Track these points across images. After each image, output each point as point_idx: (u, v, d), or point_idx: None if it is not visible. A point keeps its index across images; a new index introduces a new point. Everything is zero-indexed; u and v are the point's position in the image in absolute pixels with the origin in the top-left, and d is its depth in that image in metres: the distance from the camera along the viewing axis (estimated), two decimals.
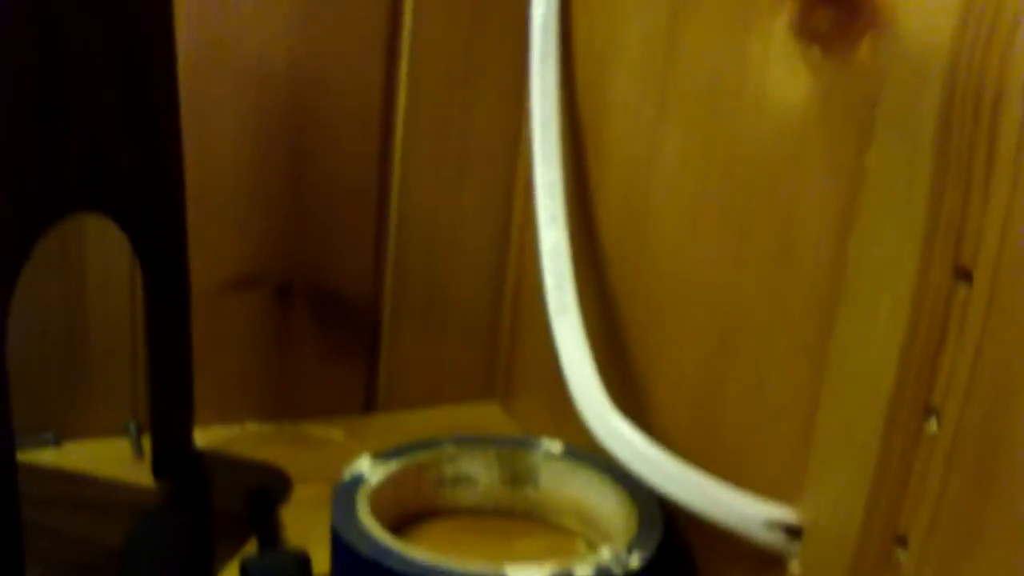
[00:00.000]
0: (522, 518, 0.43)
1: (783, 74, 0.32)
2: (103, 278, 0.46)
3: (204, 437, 0.48)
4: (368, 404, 0.52)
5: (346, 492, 0.39)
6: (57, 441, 0.47)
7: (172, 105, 0.39)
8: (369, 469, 0.40)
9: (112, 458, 0.46)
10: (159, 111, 0.39)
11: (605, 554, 0.35)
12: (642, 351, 0.41)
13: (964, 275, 0.27)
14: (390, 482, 0.40)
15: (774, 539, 0.33)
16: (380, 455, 0.41)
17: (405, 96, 0.47)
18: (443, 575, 0.34)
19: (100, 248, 0.45)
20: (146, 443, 0.46)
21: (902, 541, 0.29)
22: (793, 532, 0.33)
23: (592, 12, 0.43)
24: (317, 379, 0.51)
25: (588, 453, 0.41)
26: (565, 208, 0.41)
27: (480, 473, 0.43)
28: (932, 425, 0.28)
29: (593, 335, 0.40)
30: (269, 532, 0.42)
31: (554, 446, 0.43)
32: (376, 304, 0.51)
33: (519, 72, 0.45)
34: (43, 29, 0.34)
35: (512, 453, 0.43)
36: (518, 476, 0.43)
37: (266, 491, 0.44)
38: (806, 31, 0.31)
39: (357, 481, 0.39)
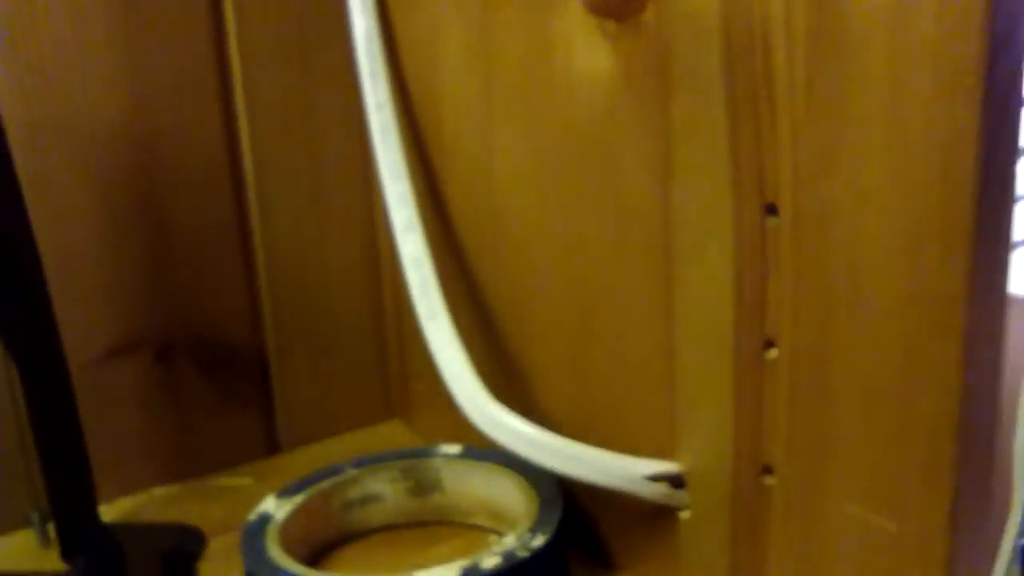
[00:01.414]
0: (435, 525, 0.44)
1: (586, 48, 0.33)
2: None
3: (112, 511, 0.47)
4: (271, 446, 0.52)
5: (254, 532, 0.39)
6: None
7: (12, 188, 0.39)
8: (275, 507, 0.41)
9: (19, 550, 0.46)
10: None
11: (510, 540, 0.36)
12: (515, 340, 0.42)
13: (771, 210, 0.28)
14: (297, 515, 0.41)
15: (660, 492, 0.34)
16: (284, 491, 0.42)
17: (248, 138, 0.48)
18: None
19: None
20: (52, 529, 0.45)
21: (768, 469, 0.31)
22: (676, 483, 0.34)
23: (412, 21, 0.44)
24: (216, 431, 0.50)
25: (486, 450, 0.42)
26: (419, 215, 0.42)
27: (385, 489, 0.43)
28: (772, 353, 0.29)
29: (468, 334, 0.40)
30: None
31: (452, 449, 0.44)
32: (260, 347, 0.51)
33: (357, 92, 0.45)
34: None
35: (413, 464, 0.43)
36: (423, 485, 0.44)
37: (180, 550, 0.44)
38: (599, 6, 0.33)
39: (264, 520, 0.40)
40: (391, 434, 0.53)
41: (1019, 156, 0.24)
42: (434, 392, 0.50)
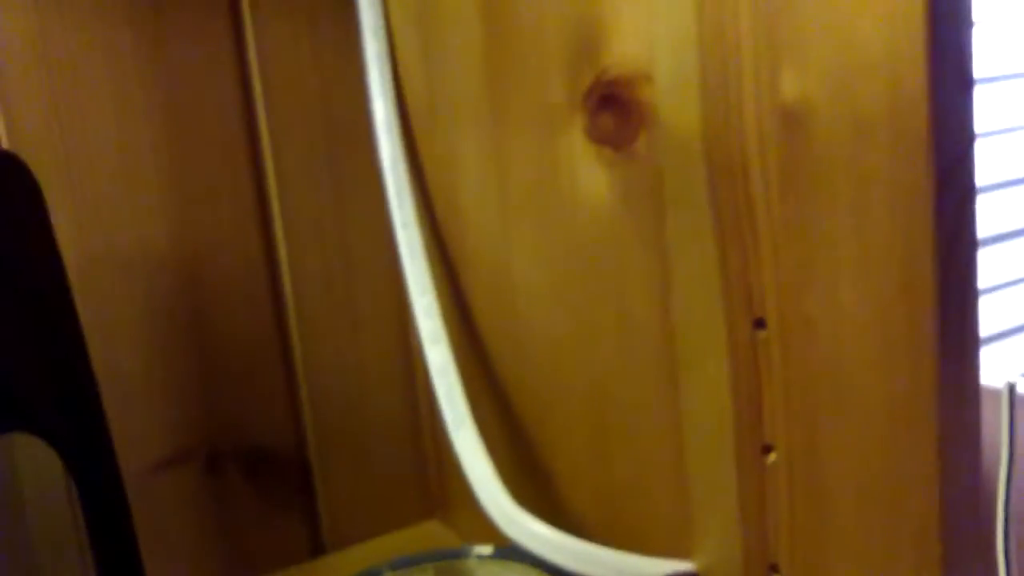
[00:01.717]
0: None
1: (587, 172, 0.36)
2: (40, 494, 0.48)
3: None
4: (316, 548, 0.54)
5: None
6: None
7: (69, 314, 0.42)
8: None
9: None
10: (58, 323, 0.42)
11: None
12: (539, 446, 0.44)
13: (760, 324, 0.30)
14: None
15: None
16: None
17: (286, 256, 0.51)
18: None
19: (31, 463, 0.48)
20: None
21: (775, 568, 0.32)
22: None
23: (434, 145, 0.47)
24: (263, 535, 0.53)
25: (516, 550, 0.43)
26: (444, 326, 0.44)
27: None
28: (771, 457, 0.31)
29: (494, 440, 0.42)
30: None
31: (485, 550, 0.45)
32: (302, 453, 0.53)
33: (385, 210, 0.48)
34: None
35: (447, 565, 0.45)
36: None
37: None
38: (596, 135, 0.35)
39: None
40: (430, 533, 0.55)
41: (976, 260, 0.25)
42: (470, 492, 0.52)
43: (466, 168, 0.45)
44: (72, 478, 0.42)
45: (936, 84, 0.23)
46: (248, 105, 0.50)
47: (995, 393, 0.28)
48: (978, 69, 0.24)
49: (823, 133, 0.26)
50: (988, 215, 0.36)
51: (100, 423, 0.43)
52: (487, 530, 0.46)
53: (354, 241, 0.52)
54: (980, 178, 0.26)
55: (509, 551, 0.44)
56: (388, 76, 0.49)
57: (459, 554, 0.45)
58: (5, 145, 0.45)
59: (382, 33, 0.49)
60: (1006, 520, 0.27)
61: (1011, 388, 0.26)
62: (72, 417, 0.42)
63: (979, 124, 0.27)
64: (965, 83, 0.24)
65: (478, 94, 0.43)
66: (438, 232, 0.48)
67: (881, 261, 0.26)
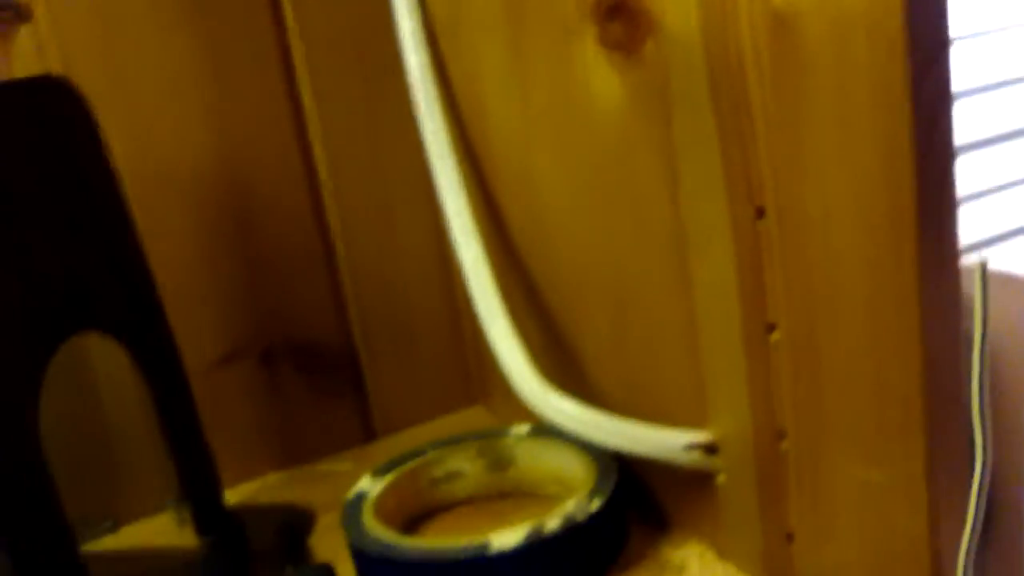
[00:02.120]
0: (511, 496, 0.49)
1: (600, 76, 0.38)
2: (114, 385, 0.53)
3: (234, 495, 0.55)
4: (367, 434, 0.59)
5: (352, 507, 0.45)
6: (115, 527, 0.54)
7: (127, 224, 0.45)
8: (369, 485, 0.47)
9: (163, 531, 0.53)
10: (118, 232, 0.45)
11: (570, 505, 0.42)
12: (565, 330, 0.47)
13: (760, 212, 0.33)
14: (389, 492, 0.47)
15: (697, 459, 0.39)
16: (377, 471, 0.48)
17: (324, 162, 0.54)
18: (436, 554, 0.40)
19: (105, 360, 0.52)
20: (186, 511, 0.52)
21: (782, 435, 0.35)
22: (711, 450, 0.39)
23: (459, 54, 0.49)
24: (317, 423, 0.57)
25: (551, 428, 0.47)
26: (474, 224, 0.47)
27: (465, 467, 0.49)
28: (775, 336, 0.34)
29: (524, 327, 0.46)
30: (299, 558, 0.48)
31: (523, 428, 0.49)
32: (350, 346, 0.57)
33: (417, 122, 0.51)
34: (2, 202, 0.41)
35: (488, 443, 0.49)
36: (499, 461, 0.49)
37: (292, 526, 0.51)
38: (607, 41, 0.37)
39: (361, 497, 0.46)
40: (473, 418, 0.59)
41: (954, 154, 0.28)
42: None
43: (490, 78, 0.47)
44: (140, 373, 0.46)
45: None
46: (281, 24, 0.52)
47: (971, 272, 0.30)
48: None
49: (808, 34, 0.28)
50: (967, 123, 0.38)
51: (162, 322, 0.47)
52: (525, 413, 0.50)
53: (387, 148, 0.55)
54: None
55: (544, 429, 0.48)
56: None
57: (499, 433, 0.49)
58: (59, 71, 0.48)
59: None
60: (981, 386, 0.30)
61: (983, 265, 0.29)
62: (137, 317, 0.46)
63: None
64: None
65: (497, 9, 0.45)
66: (466, 138, 0.50)
67: (864, 146, 0.28)
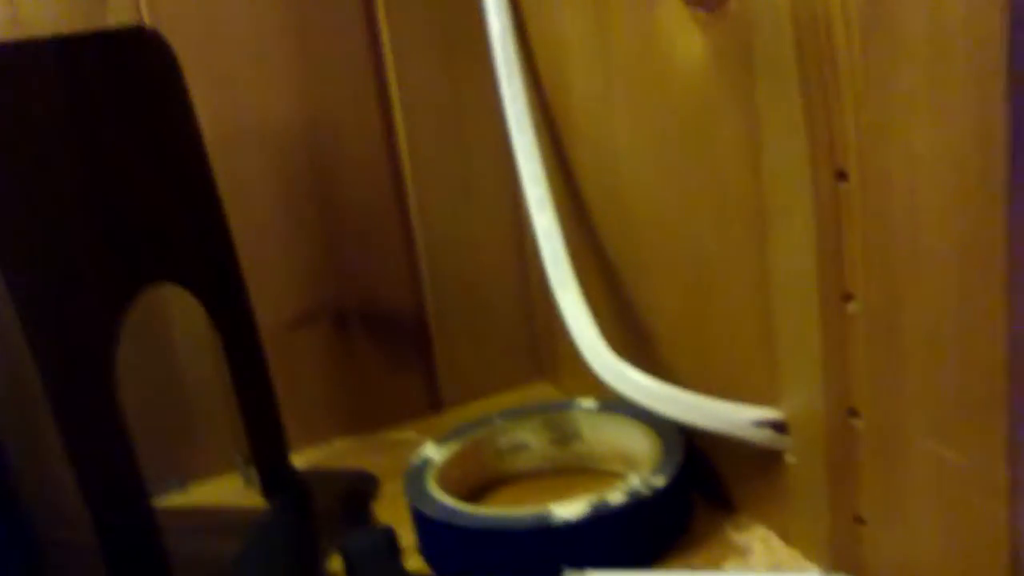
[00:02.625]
0: (576, 471, 0.48)
1: (683, 35, 0.37)
2: (190, 340, 0.53)
3: (301, 458, 0.55)
4: (433, 404, 0.58)
5: (416, 473, 0.45)
6: (183, 484, 0.55)
7: (207, 177, 0.46)
8: (434, 451, 0.47)
9: (230, 490, 0.54)
10: (198, 185, 0.46)
11: (634, 480, 0.41)
12: (638, 303, 0.46)
13: (842, 176, 0.31)
14: (454, 460, 0.46)
15: (765, 436, 0.38)
16: (442, 439, 0.48)
17: (403, 127, 0.54)
18: (498, 522, 0.40)
19: (181, 314, 0.53)
20: (253, 472, 0.53)
21: (855, 412, 0.34)
22: (780, 428, 0.38)
23: (541, 20, 0.49)
24: (386, 391, 0.57)
25: (618, 403, 0.46)
26: (551, 193, 0.46)
27: (531, 439, 0.49)
28: (851, 306, 0.33)
29: (596, 299, 0.45)
30: (363, 523, 0.48)
31: (589, 403, 0.48)
32: (421, 315, 0.57)
33: (496, 87, 0.51)
34: (89, 149, 0.42)
35: (554, 416, 0.49)
36: (564, 435, 0.49)
37: (357, 490, 0.51)
38: None
39: (425, 463, 0.46)
40: (539, 393, 0.59)
41: None
42: (575, 353, 0.55)
43: (571, 44, 0.46)
44: (215, 327, 0.47)
45: None
46: None
47: None
48: None
49: None
50: None
51: (238, 279, 0.47)
52: (592, 390, 0.49)
53: (467, 116, 0.55)
54: None
55: (611, 404, 0.47)
56: None
57: (565, 406, 0.49)
58: (148, 23, 0.49)
59: None
60: None
61: None
62: (214, 272, 0.46)
63: None
64: None
65: None
66: (545, 105, 0.50)
67: (956, 110, 0.27)
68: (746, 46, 0.34)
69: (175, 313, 0.53)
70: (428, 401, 0.58)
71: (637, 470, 0.45)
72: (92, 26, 0.48)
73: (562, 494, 0.46)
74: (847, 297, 0.33)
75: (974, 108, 0.26)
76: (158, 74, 0.44)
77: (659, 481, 0.40)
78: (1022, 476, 0.29)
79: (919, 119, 0.28)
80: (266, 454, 0.50)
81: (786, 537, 0.40)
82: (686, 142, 0.39)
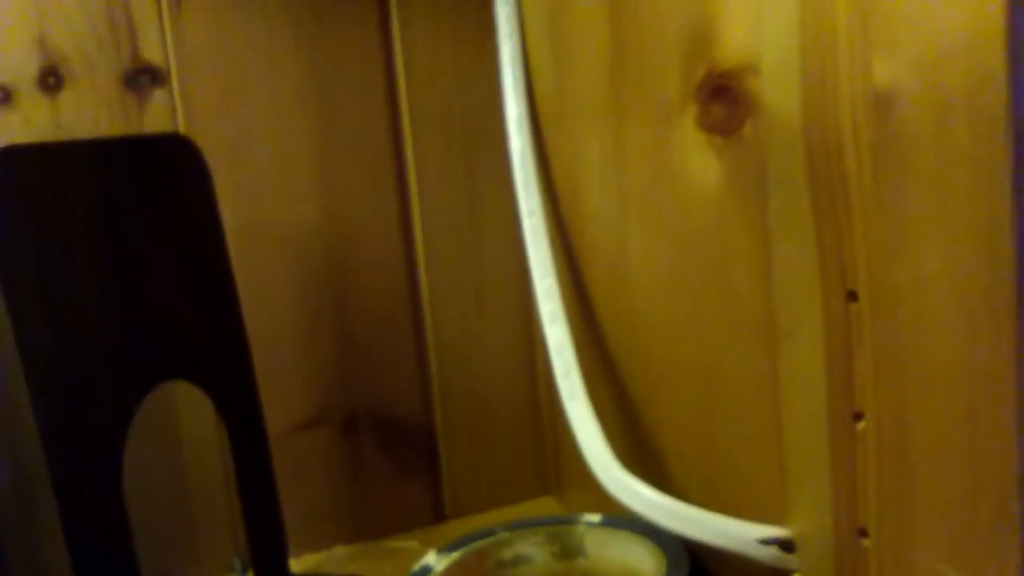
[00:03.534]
0: None
1: (698, 159, 0.39)
2: (195, 438, 0.53)
3: (298, 565, 0.54)
4: (438, 515, 0.58)
5: None
6: None
7: (228, 280, 0.47)
8: (435, 560, 0.46)
9: None
10: (218, 287, 0.47)
11: None
12: (647, 418, 0.47)
13: (853, 296, 0.32)
14: (454, 569, 0.46)
15: (771, 555, 0.37)
16: (444, 548, 0.47)
17: (421, 238, 0.55)
18: None
19: (190, 412, 0.53)
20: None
21: (864, 532, 0.34)
22: (787, 547, 0.37)
23: (560, 139, 0.51)
24: (390, 499, 0.57)
25: (623, 519, 0.46)
26: (563, 308, 0.47)
27: (534, 552, 0.48)
28: (861, 425, 0.33)
29: (605, 413, 0.45)
30: None
31: (594, 517, 0.48)
32: (430, 425, 0.57)
33: (513, 200, 0.52)
34: (115, 248, 0.43)
35: (559, 529, 0.48)
36: (568, 550, 0.48)
37: None
38: (707, 123, 0.38)
39: (424, 571, 0.45)
40: (544, 509, 0.58)
41: None
42: (583, 471, 0.55)
43: (589, 162, 0.48)
44: (224, 425, 0.47)
45: (1015, 65, 0.25)
46: (393, 101, 0.55)
47: None
48: None
49: (910, 114, 0.28)
50: None
51: (250, 378, 0.48)
52: (598, 507, 0.49)
53: (484, 229, 0.56)
54: None
55: (616, 520, 0.47)
56: (520, 77, 0.53)
57: (569, 520, 0.48)
58: (182, 130, 0.51)
59: (517, 37, 0.53)
60: None
61: None
62: (227, 371, 0.47)
63: None
64: None
65: (602, 93, 0.46)
66: (561, 221, 0.51)
67: (963, 234, 0.27)
68: (759, 169, 0.35)
69: (182, 409, 0.53)
70: (432, 512, 0.58)
71: None
72: (130, 131, 0.50)
73: None
74: (857, 416, 0.33)
75: (981, 230, 0.27)
76: (189, 180, 0.45)
77: None
78: None
79: (928, 241, 0.29)
80: (265, 558, 0.50)
81: None
82: (698, 260, 0.40)
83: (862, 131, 0.30)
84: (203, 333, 0.46)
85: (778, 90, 0.34)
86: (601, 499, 0.43)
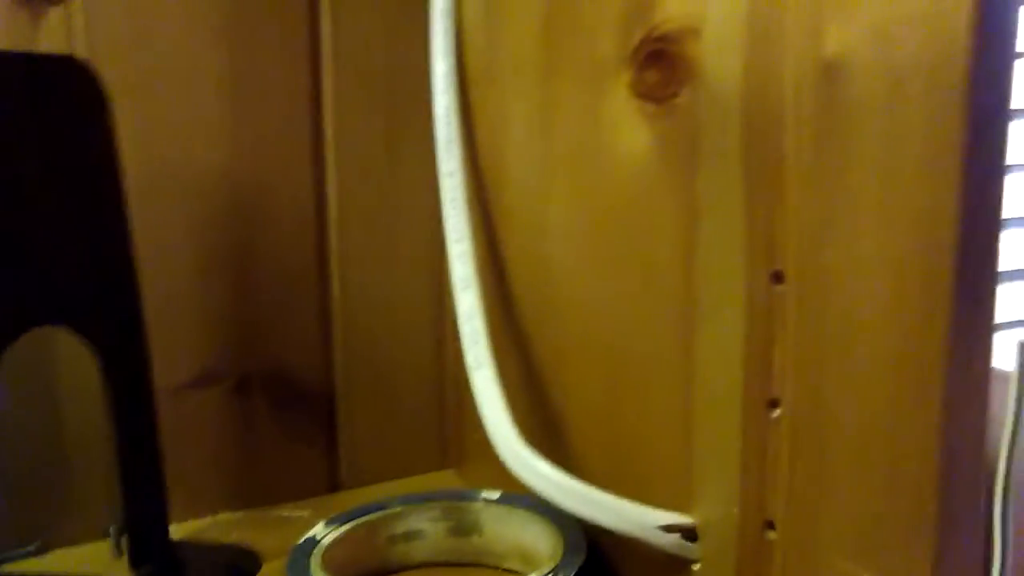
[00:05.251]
0: (471, 566, 0.46)
1: (628, 126, 0.37)
2: (73, 391, 0.50)
3: (180, 530, 0.51)
4: (333, 484, 0.55)
5: (299, 553, 0.42)
6: (41, 551, 0.50)
7: (121, 220, 0.43)
8: (322, 531, 0.43)
9: (94, 560, 0.49)
10: (109, 226, 0.43)
11: None
12: (555, 393, 0.45)
13: (778, 277, 0.31)
14: (342, 541, 0.43)
15: (672, 542, 0.36)
16: (333, 519, 0.45)
17: (335, 193, 0.52)
18: None
19: (69, 361, 0.49)
20: (125, 541, 0.49)
21: (771, 524, 0.32)
22: (690, 535, 0.36)
23: (486, 100, 0.48)
24: (283, 465, 0.54)
25: (522, 496, 0.44)
26: (477, 273, 0.45)
27: (427, 527, 0.46)
28: (776, 412, 0.31)
29: (513, 386, 0.43)
30: None
31: (492, 494, 0.46)
32: (329, 390, 0.54)
33: (435, 161, 0.49)
34: None
35: (455, 505, 0.46)
36: (463, 526, 0.46)
37: (236, 569, 0.47)
38: (641, 89, 0.36)
39: (310, 543, 0.43)
40: (444, 483, 0.56)
41: (1001, 231, 0.26)
42: (486, 445, 0.53)
43: (514, 124, 0.46)
44: (105, 377, 0.43)
45: (979, 40, 0.24)
46: (314, 46, 0.51)
47: (1003, 376, 0.28)
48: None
49: (860, 86, 0.27)
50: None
51: (139, 329, 0.44)
52: (498, 483, 0.47)
53: (401, 186, 0.54)
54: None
55: (514, 497, 0.45)
56: (451, 29, 0.50)
57: (467, 496, 0.46)
58: (83, 55, 0.47)
59: None
60: (1006, 489, 0.27)
61: (1022, 344, 0.26)
62: (113, 319, 0.43)
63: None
64: (1007, 48, 0.25)
65: (533, 54, 0.44)
66: (482, 185, 0.49)
67: (903, 218, 0.26)
68: (691, 140, 0.34)
69: (63, 358, 0.50)
70: (327, 480, 0.55)
71: (535, 569, 0.42)
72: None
73: None
74: (773, 403, 0.31)
75: (924, 212, 0.25)
76: (83, 105, 0.42)
77: None
78: None
79: (866, 222, 0.27)
80: (143, 522, 0.46)
81: None
82: (620, 231, 0.38)
83: (806, 102, 0.29)
84: (87, 276, 0.43)
85: (719, 56, 0.32)
86: (503, 476, 0.41)
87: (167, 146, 0.49)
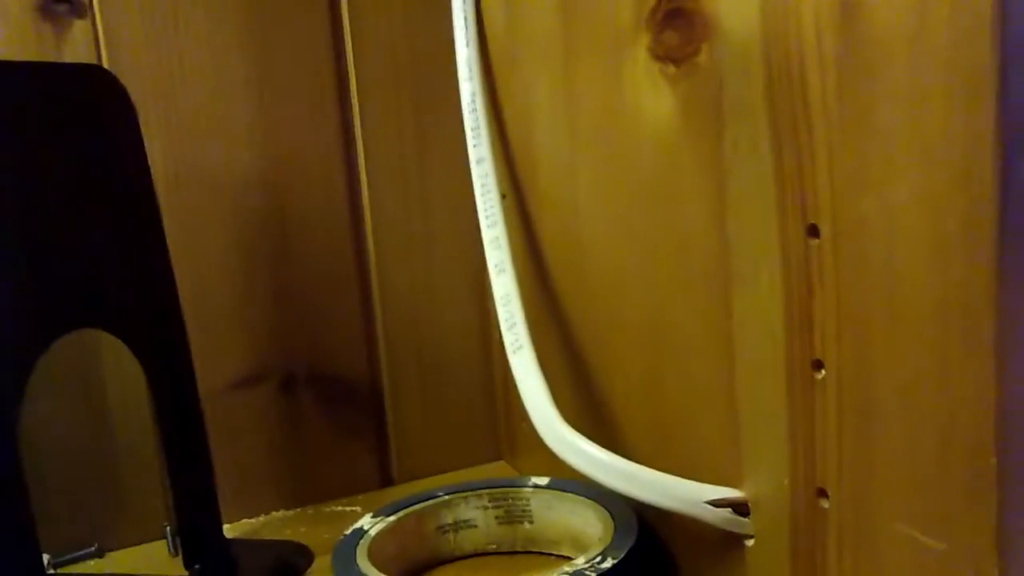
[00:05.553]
0: (523, 553, 0.45)
1: (651, 91, 0.36)
2: (123, 394, 0.50)
3: (234, 530, 0.51)
4: (384, 479, 0.55)
5: (345, 545, 0.41)
6: (100, 553, 0.51)
7: (155, 225, 0.44)
8: (369, 523, 0.43)
9: (151, 560, 0.50)
10: (144, 232, 0.43)
11: (580, 562, 0.37)
12: (596, 372, 0.44)
13: (814, 231, 0.29)
14: (390, 533, 0.43)
15: (723, 517, 0.35)
16: (380, 511, 0.44)
17: (368, 188, 0.52)
18: None
19: (117, 365, 0.50)
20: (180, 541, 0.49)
21: (823, 492, 0.31)
22: (741, 509, 0.35)
23: (511, 83, 0.47)
24: (333, 462, 0.54)
25: (571, 482, 0.43)
26: (511, 257, 0.44)
27: (477, 517, 0.45)
28: (821, 374, 0.30)
29: (553, 367, 0.42)
30: None
31: (541, 480, 0.45)
32: (376, 385, 0.54)
33: (463, 149, 0.49)
34: (27, 178, 0.39)
35: (503, 493, 0.45)
36: (513, 514, 0.45)
37: (287, 564, 0.47)
38: (660, 51, 0.35)
39: (356, 535, 0.42)
40: (497, 474, 0.55)
41: None
42: (534, 435, 0.52)
43: (539, 106, 0.45)
44: (148, 382, 0.44)
45: None
46: (338, 40, 0.51)
47: None
48: None
49: (880, 16, 0.25)
50: None
51: (179, 331, 0.44)
52: (549, 471, 0.46)
53: (432, 176, 0.53)
54: None
55: (564, 482, 0.44)
56: (472, 16, 0.49)
57: (515, 483, 0.46)
58: (105, 65, 0.47)
59: None
60: None
61: None
62: (151, 324, 0.43)
63: None
64: None
65: (552, 31, 0.43)
66: (511, 168, 0.48)
67: (938, 154, 0.25)
68: (714, 98, 0.32)
69: (108, 364, 0.50)
70: (378, 475, 0.55)
71: (586, 553, 0.41)
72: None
73: None
74: (817, 365, 0.30)
75: (960, 149, 0.24)
76: (110, 114, 0.42)
77: (606, 564, 0.37)
78: (1014, 567, 0.26)
79: (899, 164, 0.26)
80: (195, 523, 0.46)
81: None
82: (650, 202, 0.37)
83: (827, 41, 0.27)
84: (125, 278, 0.43)
85: (737, 9, 0.30)
86: (555, 465, 0.40)
87: (198, 150, 0.49)
